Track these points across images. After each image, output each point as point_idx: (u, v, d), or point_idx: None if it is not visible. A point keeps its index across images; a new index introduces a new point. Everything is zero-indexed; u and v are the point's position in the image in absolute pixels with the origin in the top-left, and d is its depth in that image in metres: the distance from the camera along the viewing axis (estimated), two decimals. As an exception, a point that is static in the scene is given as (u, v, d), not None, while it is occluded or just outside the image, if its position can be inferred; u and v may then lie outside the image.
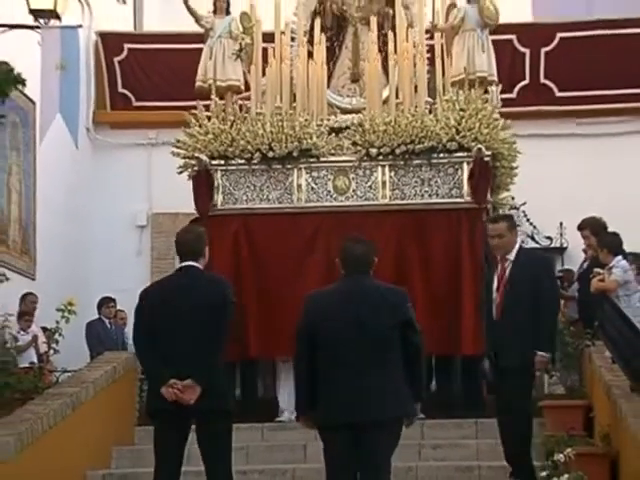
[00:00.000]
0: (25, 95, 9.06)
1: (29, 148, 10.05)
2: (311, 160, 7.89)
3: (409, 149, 7.77)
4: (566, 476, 5.52)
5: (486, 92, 8.14)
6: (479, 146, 7.67)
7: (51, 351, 7.55)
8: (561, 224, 10.84)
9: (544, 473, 5.71)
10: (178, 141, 8.14)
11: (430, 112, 7.86)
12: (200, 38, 8.54)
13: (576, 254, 9.34)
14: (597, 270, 6.78)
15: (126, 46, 11.67)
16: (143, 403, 6.82)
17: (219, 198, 7.95)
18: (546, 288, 5.62)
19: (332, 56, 8.44)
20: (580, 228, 8.11)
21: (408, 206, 7.80)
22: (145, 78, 11.59)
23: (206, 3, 8.53)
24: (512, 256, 5.63)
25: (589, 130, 11.16)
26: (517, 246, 5.73)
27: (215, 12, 8.44)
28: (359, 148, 7.86)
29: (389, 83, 8.05)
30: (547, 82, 11.26)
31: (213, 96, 8.15)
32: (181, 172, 8.12)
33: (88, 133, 11.35)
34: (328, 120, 8.01)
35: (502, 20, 8.45)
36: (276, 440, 7.10)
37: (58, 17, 8.10)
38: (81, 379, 6.97)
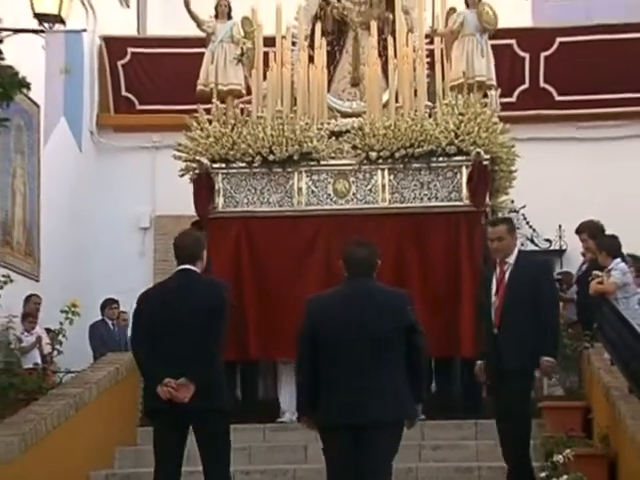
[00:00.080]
0: (30, 98, 9.07)
1: (33, 151, 10.06)
2: (311, 163, 7.89)
3: (408, 153, 7.77)
4: (565, 477, 5.51)
5: (485, 96, 8.14)
6: (478, 150, 7.67)
7: (55, 352, 7.55)
8: (560, 227, 10.84)
9: (543, 474, 5.70)
10: (179, 144, 8.15)
11: (429, 116, 7.86)
12: (203, 42, 8.54)
13: (575, 256, 9.34)
14: (596, 273, 6.77)
15: (129, 50, 11.68)
16: (144, 404, 6.81)
17: (220, 201, 7.95)
18: (546, 291, 5.59)
19: (333, 60, 8.45)
20: (578, 232, 8.11)
21: (407, 209, 7.80)
22: (148, 82, 11.60)
23: (208, 8, 8.54)
24: (512, 259, 5.60)
25: (588, 134, 11.15)
26: (516, 249, 5.71)
27: (217, 17, 8.45)
28: (359, 152, 7.86)
29: (389, 87, 8.06)
30: (546, 86, 11.26)
31: (214, 100, 8.15)
32: (182, 175, 8.12)
33: (92, 136, 11.36)
34: (328, 124, 8.02)
35: (502, 25, 8.46)
36: (277, 441, 7.10)
37: (62, 21, 8.08)
38: (84, 380, 6.98)
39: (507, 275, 5.56)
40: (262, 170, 7.92)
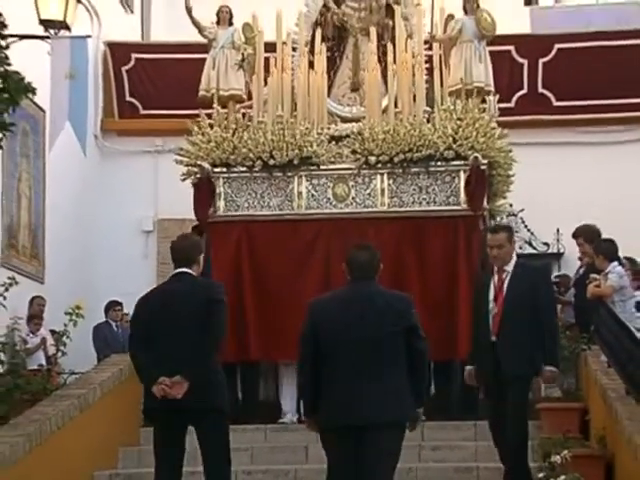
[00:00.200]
0: (35, 103, 9.08)
1: (39, 155, 10.07)
2: (311, 168, 7.89)
3: (407, 157, 7.78)
4: (562, 477, 5.51)
5: (484, 102, 8.15)
6: (476, 155, 7.67)
7: (59, 353, 7.55)
8: (558, 230, 10.84)
9: (541, 474, 5.70)
10: (181, 149, 8.15)
11: (428, 121, 7.87)
12: (206, 48, 8.55)
13: (572, 260, 9.34)
14: (593, 276, 6.77)
15: (133, 56, 11.69)
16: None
17: (221, 205, 7.95)
18: (545, 299, 5.58)
19: (333, 66, 8.46)
20: (574, 236, 8.11)
21: (406, 213, 7.80)
22: (152, 87, 11.61)
23: (210, 14, 8.55)
24: (510, 267, 5.56)
25: (586, 139, 11.17)
26: (514, 257, 5.69)
27: (218, 23, 8.45)
28: (358, 156, 7.86)
29: (388, 92, 8.06)
30: (545, 92, 11.27)
31: (216, 105, 8.16)
32: (184, 179, 8.13)
33: (96, 141, 11.37)
34: (328, 129, 8.02)
35: (501, 31, 8.47)
36: (279, 441, 7.10)
37: (67, 28, 8.11)
38: (88, 381, 6.98)
39: (506, 283, 5.52)
40: (263, 174, 7.92)
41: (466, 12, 8.25)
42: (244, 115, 8.24)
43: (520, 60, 11.25)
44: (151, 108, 11.50)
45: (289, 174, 7.89)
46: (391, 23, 8.24)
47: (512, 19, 10.68)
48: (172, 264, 4.99)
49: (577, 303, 8.03)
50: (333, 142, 7.98)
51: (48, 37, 8.08)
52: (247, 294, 7.73)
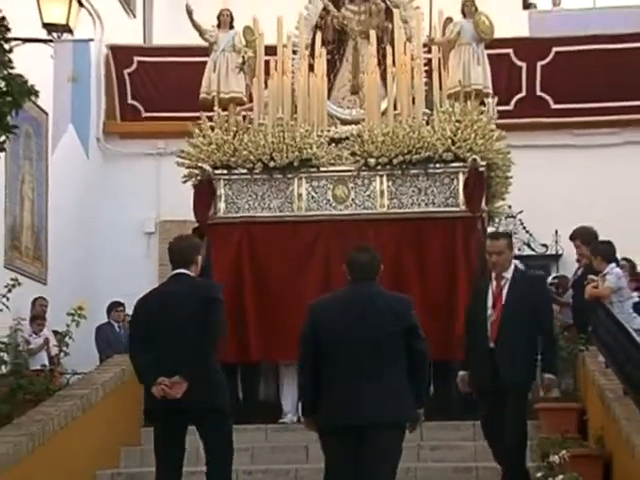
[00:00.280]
0: (38, 106, 9.08)
1: (42, 157, 10.07)
2: (311, 170, 7.88)
3: (406, 159, 7.77)
4: (561, 477, 5.51)
5: (483, 104, 8.15)
6: (474, 156, 7.66)
7: (62, 354, 7.55)
8: (556, 232, 10.84)
9: (539, 474, 5.69)
10: (182, 151, 8.15)
11: (427, 123, 7.86)
12: (207, 51, 8.55)
13: (571, 261, 9.34)
14: (591, 277, 6.76)
15: (136, 59, 11.69)
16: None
17: (222, 207, 7.95)
18: (545, 308, 5.58)
19: (333, 69, 8.45)
20: (572, 238, 8.11)
21: (405, 215, 7.79)
22: (154, 90, 11.61)
23: (211, 17, 8.55)
24: (509, 274, 5.55)
25: (583, 141, 11.18)
26: (513, 264, 5.66)
27: (219, 26, 8.45)
28: (358, 158, 7.86)
29: (388, 95, 8.05)
30: (543, 95, 11.28)
31: (216, 108, 8.16)
32: (185, 181, 8.13)
33: (99, 143, 11.38)
34: (328, 131, 8.01)
35: (499, 35, 8.48)
36: (279, 441, 7.09)
37: (70, 31, 8.11)
38: (91, 381, 6.98)
39: (505, 289, 5.50)
40: (263, 176, 7.92)
41: (464, 15, 8.25)
42: (245, 117, 8.23)
43: (519, 63, 11.25)
44: (153, 111, 11.50)
45: (289, 176, 7.88)
46: (390, 26, 8.24)
47: (511, 22, 10.68)
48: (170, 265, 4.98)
49: (575, 304, 8.02)
50: (333, 144, 7.97)
51: (51, 40, 8.08)
52: (247, 295, 7.73)
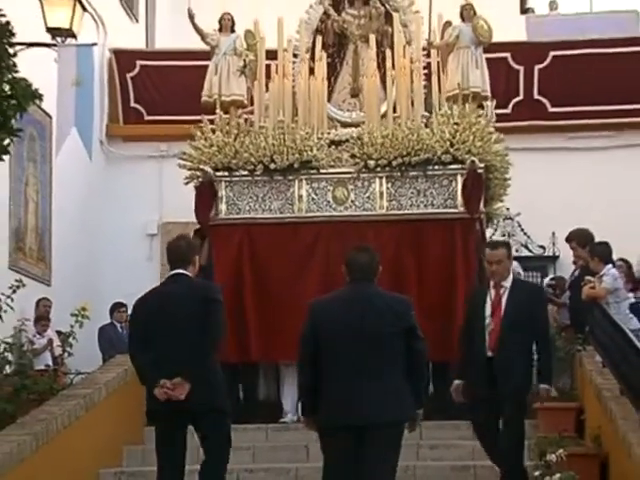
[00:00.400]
0: (42, 109, 9.08)
1: (45, 160, 10.07)
2: (311, 172, 7.87)
3: (405, 161, 7.77)
4: (558, 475, 5.50)
5: (482, 107, 8.15)
6: (472, 158, 7.66)
7: (65, 354, 7.54)
8: (553, 234, 10.85)
9: (537, 473, 5.69)
10: (184, 153, 8.15)
11: (426, 126, 7.85)
12: (209, 55, 8.55)
13: (567, 262, 9.33)
14: (588, 278, 6.76)
15: (138, 63, 11.69)
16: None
17: (223, 208, 7.94)
18: (542, 318, 5.57)
19: (333, 72, 8.45)
20: (568, 240, 8.11)
21: (405, 216, 7.78)
22: (156, 93, 11.62)
23: (213, 21, 8.55)
24: (508, 283, 5.52)
25: (580, 144, 11.18)
26: (511, 273, 5.64)
27: (220, 30, 8.45)
28: (358, 160, 7.86)
29: (387, 98, 8.04)
30: (540, 98, 11.28)
31: (218, 110, 8.16)
32: (187, 183, 8.12)
33: (102, 146, 11.37)
34: (328, 133, 8.01)
35: (497, 39, 8.47)
36: (280, 441, 7.08)
37: (74, 35, 8.13)
38: (94, 381, 6.97)
39: (504, 298, 5.47)
40: (264, 178, 7.91)
41: (463, 19, 8.25)
42: (246, 120, 8.23)
43: (516, 67, 11.26)
44: (155, 114, 11.50)
45: (290, 178, 7.88)
46: (390, 30, 8.23)
47: (508, 27, 10.68)
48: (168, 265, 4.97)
49: (572, 305, 8.02)
50: (333, 146, 7.96)
51: (55, 45, 8.10)
52: (248, 295, 7.72)
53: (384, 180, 7.83)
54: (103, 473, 6.41)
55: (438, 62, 8.06)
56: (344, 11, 8.57)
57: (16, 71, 6.00)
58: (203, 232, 7.94)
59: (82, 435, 6.16)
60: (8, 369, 6.71)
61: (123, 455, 6.87)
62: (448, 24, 8.28)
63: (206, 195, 7.91)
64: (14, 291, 6.81)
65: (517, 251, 10.18)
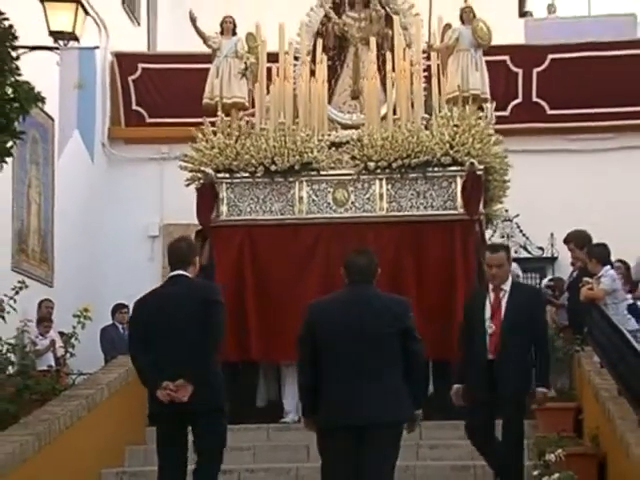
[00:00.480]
0: (45, 112, 9.09)
1: (48, 162, 10.07)
2: (312, 173, 7.87)
3: (405, 163, 7.77)
4: (557, 475, 5.50)
5: (482, 109, 8.15)
6: (472, 160, 7.66)
7: (68, 355, 7.54)
8: (552, 235, 10.85)
9: (536, 472, 5.69)
10: (185, 155, 8.16)
11: (426, 128, 7.86)
12: (210, 58, 8.55)
13: (566, 264, 9.34)
14: (586, 279, 6.76)
15: (140, 66, 11.70)
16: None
17: (224, 210, 7.94)
18: (541, 321, 5.57)
19: (334, 74, 8.45)
20: (566, 241, 8.11)
21: (404, 217, 7.77)
22: (158, 96, 11.62)
23: (214, 24, 8.55)
24: (507, 286, 5.51)
25: (578, 146, 11.19)
26: (510, 275, 5.62)
27: (222, 33, 8.44)
28: (358, 162, 7.86)
29: (387, 100, 8.04)
30: (539, 100, 11.29)
31: (219, 113, 8.16)
32: (188, 185, 8.13)
33: (104, 148, 11.38)
34: (329, 135, 8.01)
35: (496, 42, 8.46)
36: (280, 440, 7.08)
37: (76, 39, 8.13)
38: (96, 381, 6.97)
39: (504, 302, 5.47)
40: (264, 180, 7.91)
41: (463, 22, 8.24)
42: (247, 122, 8.23)
43: (515, 70, 11.27)
44: (157, 116, 11.51)
45: (290, 179, 7.88)
46: (390, 33, 8.24)
47: (507, 30, 10.68)
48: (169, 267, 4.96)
49: (570, 306, 8.01)
50: (333, 148, 7.96)
51: (57, 48, 8.10)
52: (249, 296, 7.72)
53: (384, 182, 7.83)
54: (105, 473, 6.41)
55: (438, 64, 8.07)
56: (345, 14, 8.58)
57: (19, 74, 6.01)
58: (205, 233, 7.94)
59: (84, 435, 6.15)
60: (11, 370, 6.71)
61: (125, 455, 6.87)
62: (448, 27, 8.28)
63: (207, 197, 7.91)
64: (17, 292, 6.81)
65: (516, 252, 10.18)
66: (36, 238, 9.85)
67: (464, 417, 7.08)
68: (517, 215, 10.69)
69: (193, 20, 8.41)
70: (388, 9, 8.47)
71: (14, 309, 6.73)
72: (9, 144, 5.97)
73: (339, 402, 4.42)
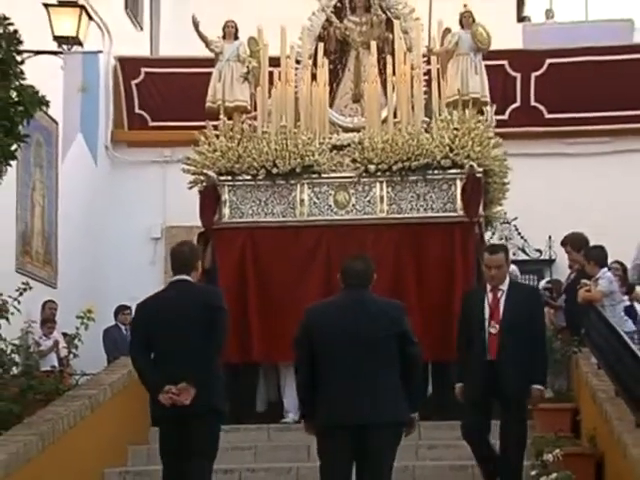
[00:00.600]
0: (49, 116, 9.09)
1: (52, 165, 10.08)
2: (313, 176, 7.87)
3: (405, 166, 7.76)
4: (554, 475, 5.49)
5: (482, 113, 8.15)
6: (471, 163, 7.66)
7: (71, 355, 7.52)
8: (550, 238, 10.86)
9: (534, 472, 5.68)
10: (188, 158, 8.16)
11: (426, 131, 7.86)
12: (212, 62, 8.55)
13: (564, 266, 9.34)
14: (584, 281, 6.75)
15: (143, 70, 11.71)
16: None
17: (226, 212, 7.94)
18: (540, 320, 5.56)
19: (335, 78, 8.45)
20: (563, 244, 8.11)
21: (405, 220, 7.77)
22: (160, 100, 11.63)
23: (216, 29, 8.55)
24: (505, 286, 5.50)
25: (576, 149, 11.21)
26: (508, 275, 5.62)
27: (224, 37, 8.44)
28: (358, 165, 7.85)
29: (388, 103, 8.05)
30: (537, 105, 11.31)
31: (222, 116, 8.17)
32: (191, 187, 8.13)
33: (107, 151, 11.38)
34: (330, 138, 8.00)
35: (495, 47, 8.47)
36: (281, 440, 7.07)
37: (80, 43, 8.15)
38: (99, 382, 6.96)
39: (502, 302, 5.45)
40: (266, 182, 7.91)
41: (462, 26, 8.25)
42: (249, 125, 8.23)
43: (513, 74, 11.28)
44: (160, 120, 11.52)
45: (292, 182, 7.88)
46: (391, 37, 8.23)
47: (505, 35, 10.68)
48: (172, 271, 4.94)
49: (568, 307, 8.00)
50: (334, 151, 7.96)
51: (61, 52, 8.12)
52: (251, 298, 7.72)
53: (384, 184, 7.83)
54: (108, 472, 6.40)
55: (438, 68, 8.06)
56: (346, 18, 8.58)
57: (23, 78, 6.02)
58: (207, 235, 7.94)
59: (87, 435, 6.14)
60: (15, 370, 6.70)
61: (128, 455, 6.85)
62: (448, 31, 8.28)
63: (210, 199, 7.91)
64: (21, 294, 6.81)
65: (514, 254, 10.18)
66: (40, 240, 9.86)
67: (461, 417, 7.11)
68: (515, 218, 10.70)
69: (196, 25, 8.41)
70: (389, 13, 8.47)
71: (18, 310, 6.72)
72: (13, 147, 5.97)
73: (338, 401, 4.42)
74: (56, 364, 8.34)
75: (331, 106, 8.26)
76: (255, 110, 8.23)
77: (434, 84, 7.97)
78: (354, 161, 7.87)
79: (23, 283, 6.97)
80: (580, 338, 7.09)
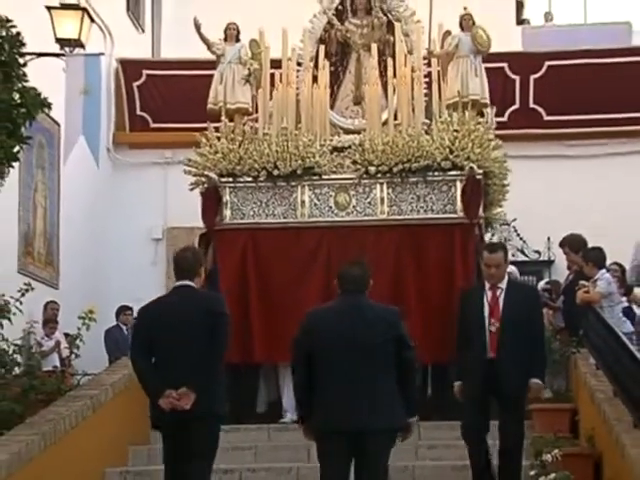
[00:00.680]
0: (51, 118, 9.09)
1: (54, 167, 10.08)
2: (314, 178, 7.87)
3: (406, 167, 7.76)
4: (553, 475, 5.50)
5: (482, 114, 8.16)
6: (471, 165, 7.66)
7: (73, 356, 7.53)
8: (549, 239, 10.87)
9: (532, 472, 5.69)
10: (189, 160, 8.16)
11: (426, 133, 7.86)
12: (213, 64, 8.55)
13: (563, 267, 9.33)
14: (582, 282, 6.75)
15: (144, 72, 11.72)
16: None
17: (228, 213, 7.94)
18: (538, 317, 5.56)
19: (336, 80, 8.45)
20: (561, 245, 8.11)
21: (405, 221, 7.77)
22: (162, 102, 11.63)
23: (218, 31, 8.56)
24: (504, 284, 5.50)
25: (574, 151, 11.22)
26: (506, 274, 5.62)
27: (226, 39, 8.44)
28: (359, 166, 7.85)
29: (388, 106, 8.05)
30: (536, 107, 11.31)
31: (223, 118, 8.17)
32: (192, 189, 8.13)
33: (108, 153, 11.39)
34: (331, 140, 8.01)
35: (494, 49, 8.47)
36: (281, 440, 7.06)
37: (82, 46, 8.15)
38: (100, 382, 6.95)
39: (501, 300, 5.45)
40: (267, 184, 7.91)
41: (462, 29, 8.25)
42: (250, 127, 8.23)
43: (512, 76, 11.29)
44: (161, 122, 11.52)
45: (292, 184, 7.87)
46: (392, 39, 8.23)
47: (505, 38, 10.69)
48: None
49: (566, 308, 8.00)
50: (335, 153, 7.96)
51: (63, 55, 8.12)
52: (252, 299, 7.71)
53: (385, 186, 7.83)
54: (109, 472, 6.39)
55: (438, 71, 8.07)
56: (347, 21, 8.58)
57: (26, 80, 6.02)
58: (208, 236, 7.94)
59: (89, 435, 6.14)
60: (17, 370, 6.70)
61: (129, 455, 6.85)
62: (448, 33, 8.29)
63: (212, 200, 7.91)
64: (23, 294, 6.81)
65: (513, 256, 10.18)
66: (42, 241, 9.86)
67: (461, 417, 7.10)
68: (515, 219, 10.69)
69: (197, 27, 8.42)
70: (390, 16, 8.47)
71: (20, 311, 6.72)
72: (16, 149, 5.97)
73: (335, 406, 4.43)
74: (58, 364, 8.34)
75: (332, 108, 8.26)
76: (256, 112, 8.24)
77: (434, 86, 7.97)
78: (355, 163, 7.87)
79: (25, 284, 6.97)
80: (579, 339, 7.09)
